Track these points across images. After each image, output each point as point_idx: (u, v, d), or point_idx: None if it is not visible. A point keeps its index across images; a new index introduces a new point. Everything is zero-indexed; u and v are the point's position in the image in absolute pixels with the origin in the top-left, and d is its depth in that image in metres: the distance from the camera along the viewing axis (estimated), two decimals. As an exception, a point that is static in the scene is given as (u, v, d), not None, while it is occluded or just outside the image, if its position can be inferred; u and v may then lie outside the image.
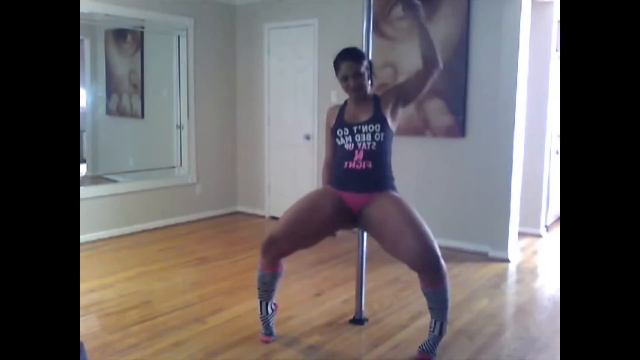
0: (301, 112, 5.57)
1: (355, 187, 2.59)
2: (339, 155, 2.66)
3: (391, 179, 2.66)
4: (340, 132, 2.62)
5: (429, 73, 2.54)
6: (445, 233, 4.65)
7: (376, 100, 2.64)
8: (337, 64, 2.62)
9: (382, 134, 2.57)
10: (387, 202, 2.54)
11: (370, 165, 2.56)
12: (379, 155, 2.58)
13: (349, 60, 2.59)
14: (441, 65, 2.55)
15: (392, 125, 2.63)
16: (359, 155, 2.57)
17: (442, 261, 2.46)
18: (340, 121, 2.66)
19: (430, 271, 2.45)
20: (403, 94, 2.65)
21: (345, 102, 2.74)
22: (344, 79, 2.61)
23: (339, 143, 2.64)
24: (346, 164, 2.60)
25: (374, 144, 2.56)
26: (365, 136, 2.56)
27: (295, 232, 2.64)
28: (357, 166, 2.57)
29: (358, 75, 2.58)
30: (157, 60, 5.77)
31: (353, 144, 2.58)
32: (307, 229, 2.65)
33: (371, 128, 2.56)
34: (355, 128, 2.58)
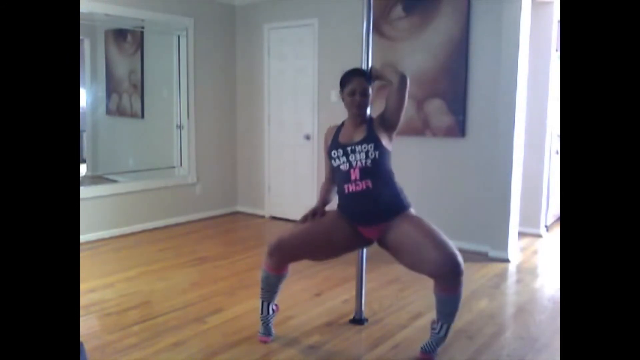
0: (301, 112, 5.57)
1: (370, 219, 2.59)
2: (338, 180, 2.66)
3: (402, 194, 2.64)
4: (334, 154, 2.62)
5: (399, 85, 2.55)
6: (446, 233, 4.61)
7: (370, 122, 2.65)
8: (346, 79, 2.63)
9: (377, 152, 2.55)
10: (405, 225, 2.55)
11: (370, 184, 2.54)
12: (376, 173, 2.55)
13: (360, 76, 2.63)
14: (402, 71, 2.58)
15: (387, 145, 2.62)
16: (355, 174, 2.55)
17: (463, 268, 2.48)
18: (335, 142, 2.66)
19: (451, 278, 2.47)
20: (386, 123, 2.63)
21: (343, 123, 2.73)
22: (351, 94, 2.60)
23: (334, 164, 2.64)
24: (346, 188, 2.59)
25: (369, 161, 2.54)
26: (359, 155, 2.55)
27: (305, 245, 2.68)
28: (356, 188, 2.55)
29: (365, 93, 2.60)
30: (157, 60, 5.77)
31: (348, 164, 2.57)
32: (319, 247, 2.70)
33: (364, 147, 2.55)
34: (349, 148, 2.58)
